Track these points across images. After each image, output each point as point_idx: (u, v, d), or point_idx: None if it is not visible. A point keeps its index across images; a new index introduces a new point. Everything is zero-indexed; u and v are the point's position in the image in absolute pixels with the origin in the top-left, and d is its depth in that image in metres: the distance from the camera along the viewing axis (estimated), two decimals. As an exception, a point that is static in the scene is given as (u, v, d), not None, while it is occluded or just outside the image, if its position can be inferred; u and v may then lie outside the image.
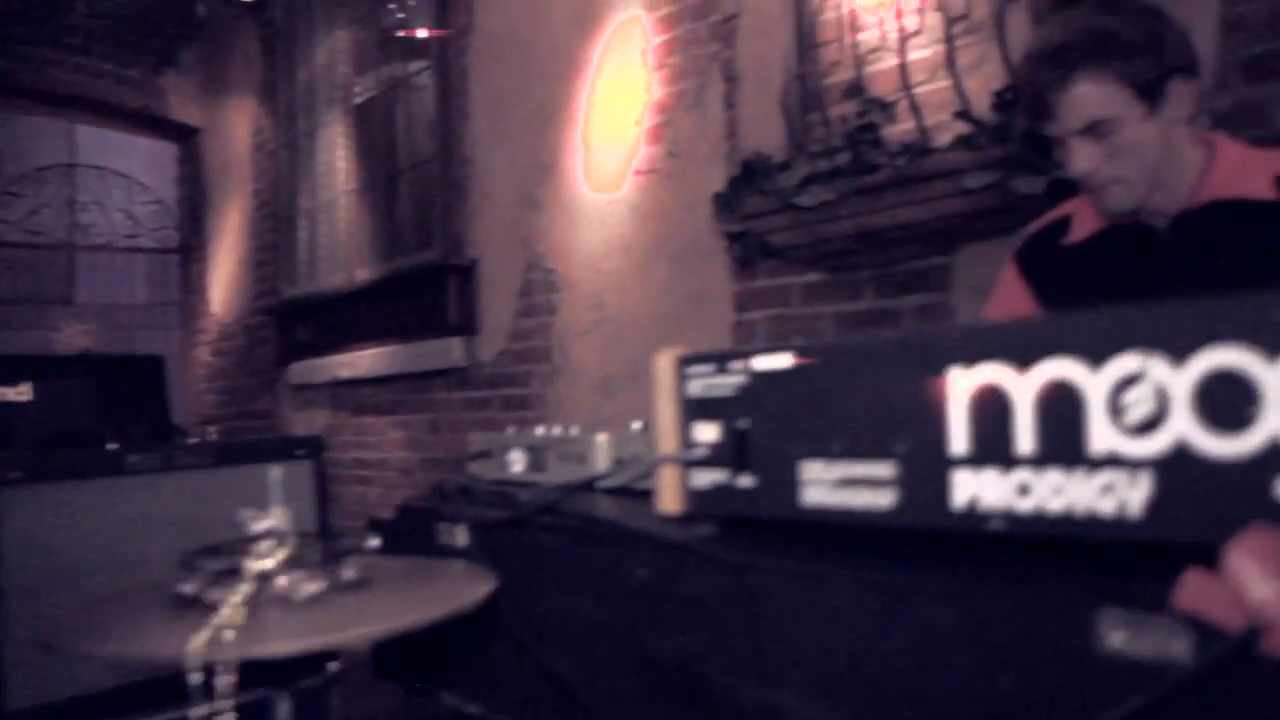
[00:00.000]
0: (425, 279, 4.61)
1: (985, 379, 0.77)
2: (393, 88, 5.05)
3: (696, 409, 1.02)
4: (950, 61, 2.56)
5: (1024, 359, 0.75)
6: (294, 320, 5.63)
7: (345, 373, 5.23)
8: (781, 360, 0.93)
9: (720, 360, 1.00)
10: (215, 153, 6.76)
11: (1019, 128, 2.21)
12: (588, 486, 1.22)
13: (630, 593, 1.07)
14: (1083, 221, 1.57)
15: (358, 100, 5.29)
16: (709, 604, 0.97)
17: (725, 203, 2.77)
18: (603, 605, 1.10)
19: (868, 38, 2.84)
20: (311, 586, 1.05)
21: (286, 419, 5.91)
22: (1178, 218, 1.47)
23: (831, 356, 0.89)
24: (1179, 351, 0.67)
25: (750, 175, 2.73)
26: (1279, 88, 2.25)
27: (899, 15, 2.71)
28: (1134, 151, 1.40)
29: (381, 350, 4.95)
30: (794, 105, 2.92)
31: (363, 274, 5.15)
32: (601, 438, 1.38)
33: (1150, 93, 1.38)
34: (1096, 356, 0.71)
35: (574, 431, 1.46)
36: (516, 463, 1.52)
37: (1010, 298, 1.67)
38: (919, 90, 2.69)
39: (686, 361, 1.03)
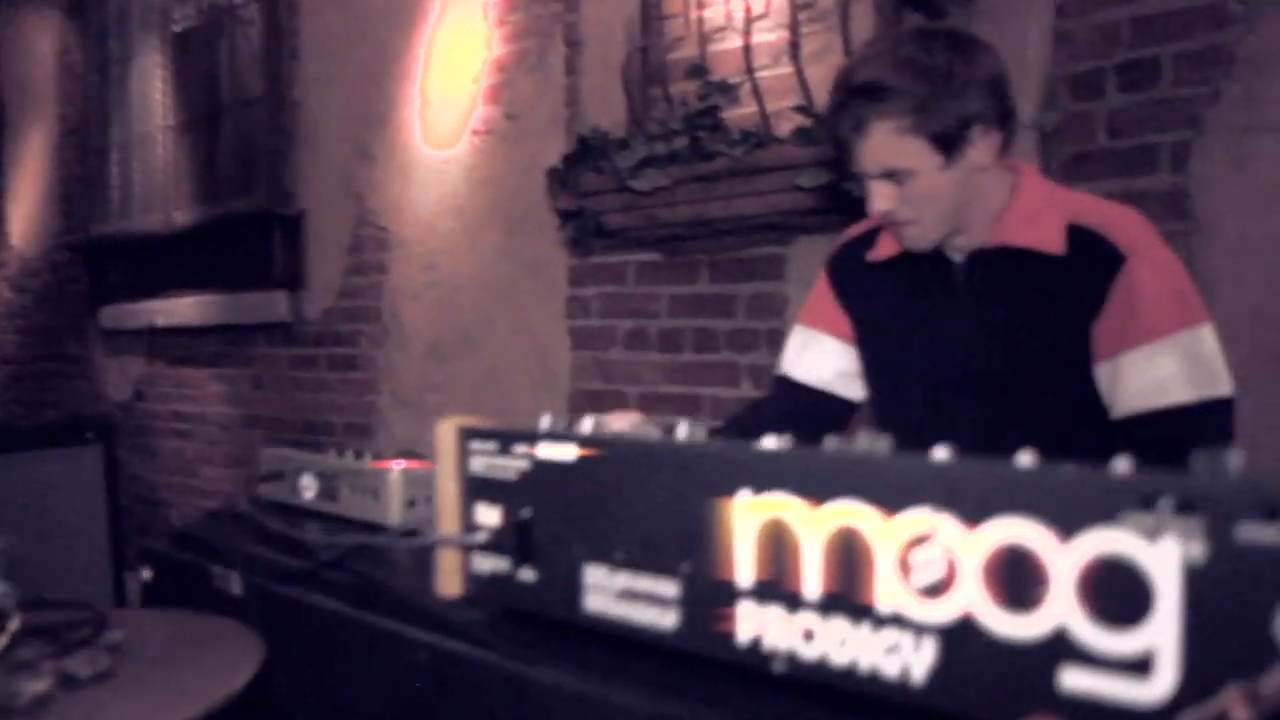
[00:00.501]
0: (250, 227, 4.32)
1: (776, 510, 0.70)
2: (216, 18, 4.66)
3: (479, 488, 0.93)
4: (794, 48, 2.50)
5: (817, 494, 0.69)
6: (105, 261, 5.22)
7: (162, 320, 4.89)
8: (567, 451, 0.85)
9: (504, 440, 0.90)
10: (12, 68, 6.14)
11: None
12: (363, 551, 1.12)
13: (411, 673, 0.98)
14: (887, 241, 1.54)
15: (177, 28, 4.87)
16: (483, 703, 0.90)
17: (560, 179, 2.65)
18: (382, 686, 1.01)
19: (713, 15, 2.75)
20: (36, 687, 0.91)
21: (98, 365, 5.51)
22: (972, 255, 1.45)
23: (620, 452, 0.82)
24: (971, 515, 0.62)
25: (587, 152, 2.62)
26: (1103, 104, 2.28)
27: (745, -5, 2.63)
28: (930, 199, 1.37)
29: (202, 299, 4.64)
30: (635, 79, 2.81)
31: (181, 217, 4.80)
32: (395, 475, 1.27)
33: (947, 144, 1.34)
34: (889, 505, 0.66)
35: (366, 463, 1.34)
36: (308, 489, 1.40)
37: (821, 304, 1.65)
38: (762, 75, 2.63)
39: (469, 435, 0.94)
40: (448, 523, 0.95)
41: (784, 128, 2.54)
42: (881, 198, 1.39)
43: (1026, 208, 1.43)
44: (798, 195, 2.29)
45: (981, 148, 1.36)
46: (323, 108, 4.11)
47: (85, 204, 5.38)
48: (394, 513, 1.27)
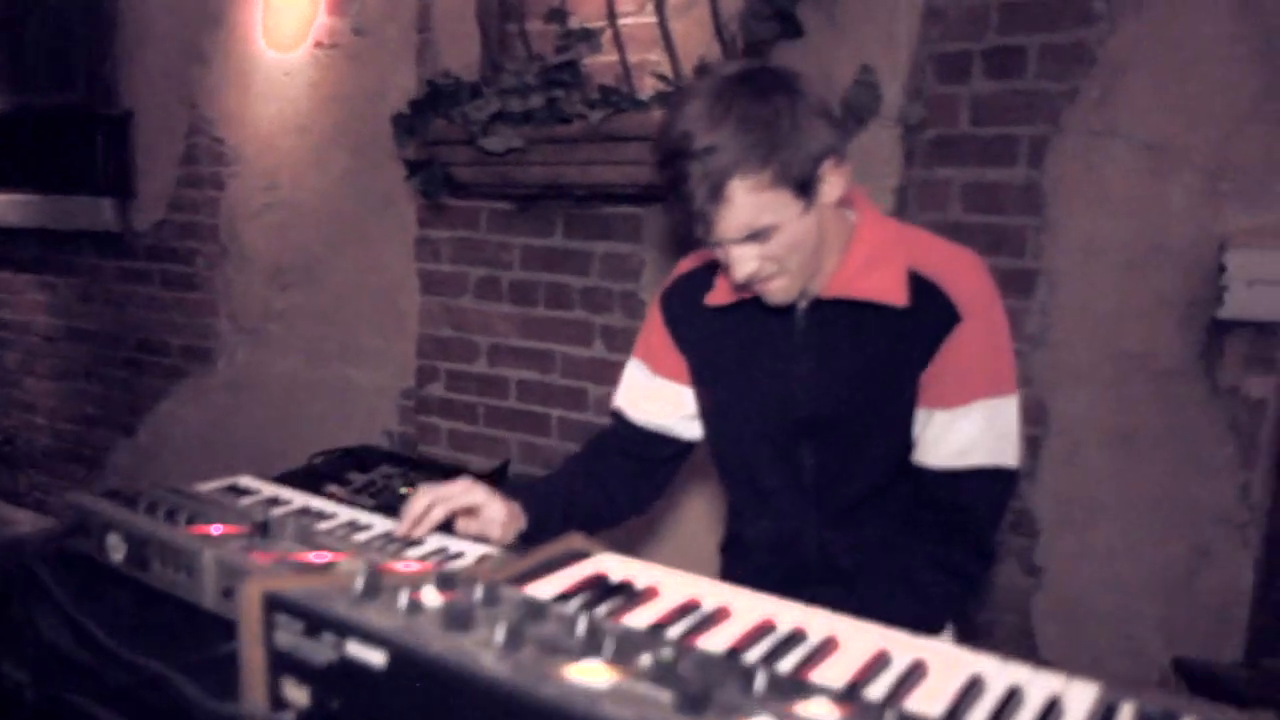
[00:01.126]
0: (68, 124, 3.94)
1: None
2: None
3: (287, 662, 0.85)
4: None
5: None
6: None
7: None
8: (376, 656, 0.77)
9: (311, 622, 0.82)
10: None
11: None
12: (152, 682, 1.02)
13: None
14: (724, 286, 1.47)
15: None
16: None
17: (406, 127, 2.47)
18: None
19: (576, -48, 2.56)
20: None
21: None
22: (813, 303, 1.41)
23: (430, 670, 0.74)
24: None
25: (436, 97, 2.44)
26: (968, 89, 2.24)
27: (609, -66, 2.45)
28: (794, 250, 1.31)
29: (16, 198, 4.24)
30: (492, 13, 2.61)
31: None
32: (209, 556, 1.16)
33: (806, 188, 1.27)
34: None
35: (179, 535, 1.22)
36: (116, 550, 1.27)
37: (656, 343, 1.59)
38: (626, 22, 2.48)
39: (275, 606, 0.85)
40: (253, 690, 0.87)
41: (647, 84, 2.42)
42: (745, 262, 1.30)
43: (866, 254, 1.39)
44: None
45: (833, 181, 1.30)
46: (147, -1, 3.72)
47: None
48: (208, 597, 1.16)
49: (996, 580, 2.32)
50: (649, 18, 2.46)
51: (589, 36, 2.43)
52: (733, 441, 1.54)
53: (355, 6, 3.14)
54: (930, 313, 1.34)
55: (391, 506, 1.65)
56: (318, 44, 3.26)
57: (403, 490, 1.98)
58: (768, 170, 1.23)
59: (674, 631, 0.93)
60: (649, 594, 1.03)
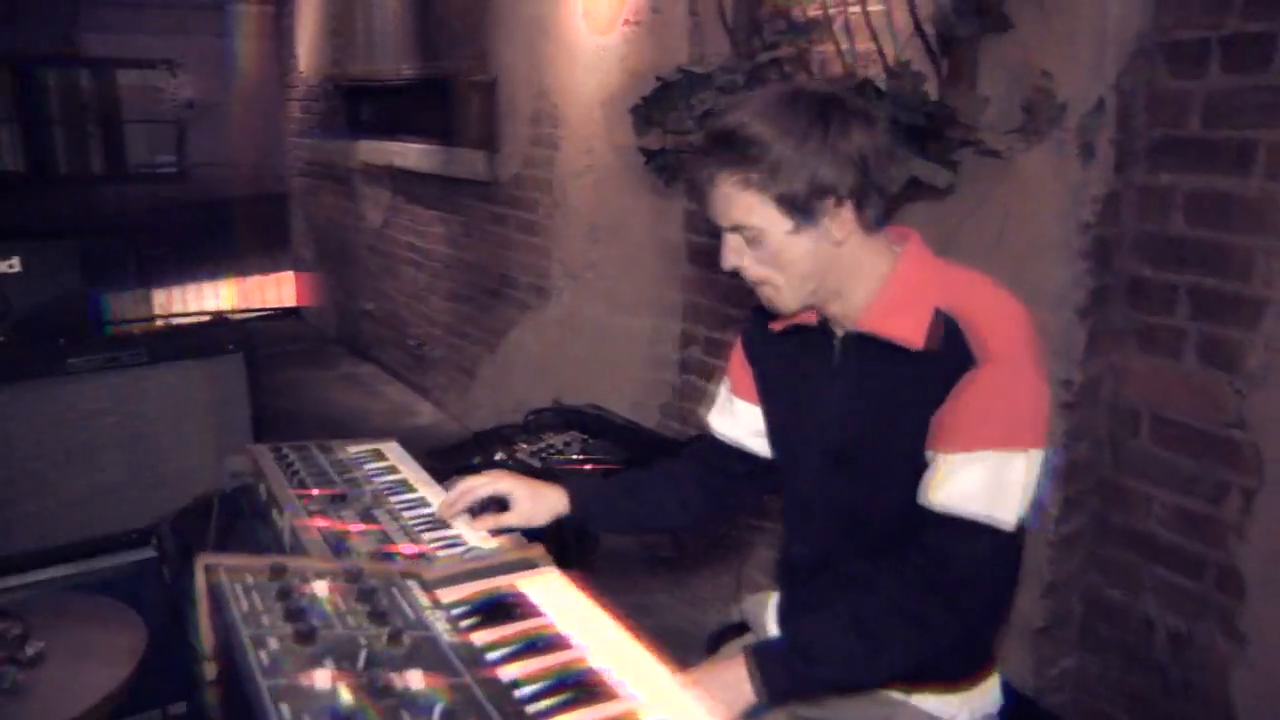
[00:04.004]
0: (455, 87, 4.63)
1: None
2: None
3: (215, 625, 1.17)
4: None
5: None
6: (359, 99, 5.76)
7: (399, 161, 5.39)
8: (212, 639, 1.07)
9: (215, 603, 1.13)
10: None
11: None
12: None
13: None
14: None
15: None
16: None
17: (644, 116, 2.68)
18: None
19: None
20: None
21: (359, 191, 6.18)
22: (849, 335, 1.45)
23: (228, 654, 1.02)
24: None
25: (668, 90, 2.62)
26: (1202, 84, 1.99)
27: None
28: (784, 263, 1.36)
29: (425, 148, 5.08)
30: (728, 7, 2.71)
31: (407, 70, 5.17)
32: (286, 516, 1.53)
33: (794, 208, 1.31)
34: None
35: (283, 492, 1.61)
36: (264, 495, 1.69)
37: (735, 365, 1.69)
38: (854, 10, 2.46)
39: (210, 580, 1.17)
40: (205, 641, 1.21)
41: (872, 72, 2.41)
42: (731, 252, 1.39)
43: (895, 294, 1.40)
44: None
45: (837, 221, 1.34)
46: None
47: (343, 44, 5.89)
48: (285, 547, 1.53)
49: (1194, 639, 2.12)
50: (876, 5, 2.42)
51: (802, 29, 2.44)
52: (787, 466, 1.63)
53: (662, -14, 3.36)
54: (951, 356, 1.34)
55: (550, 473, 1.96)
56: (626, 21, 3.53)
57: (575, 457, 2.26)
58: (756, 174, 1.30)
59: (494, 655, 1.12)
60: (527, 616, 1.22)
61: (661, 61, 3.31)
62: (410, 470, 1.82)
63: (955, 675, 1.51)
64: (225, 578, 1.17)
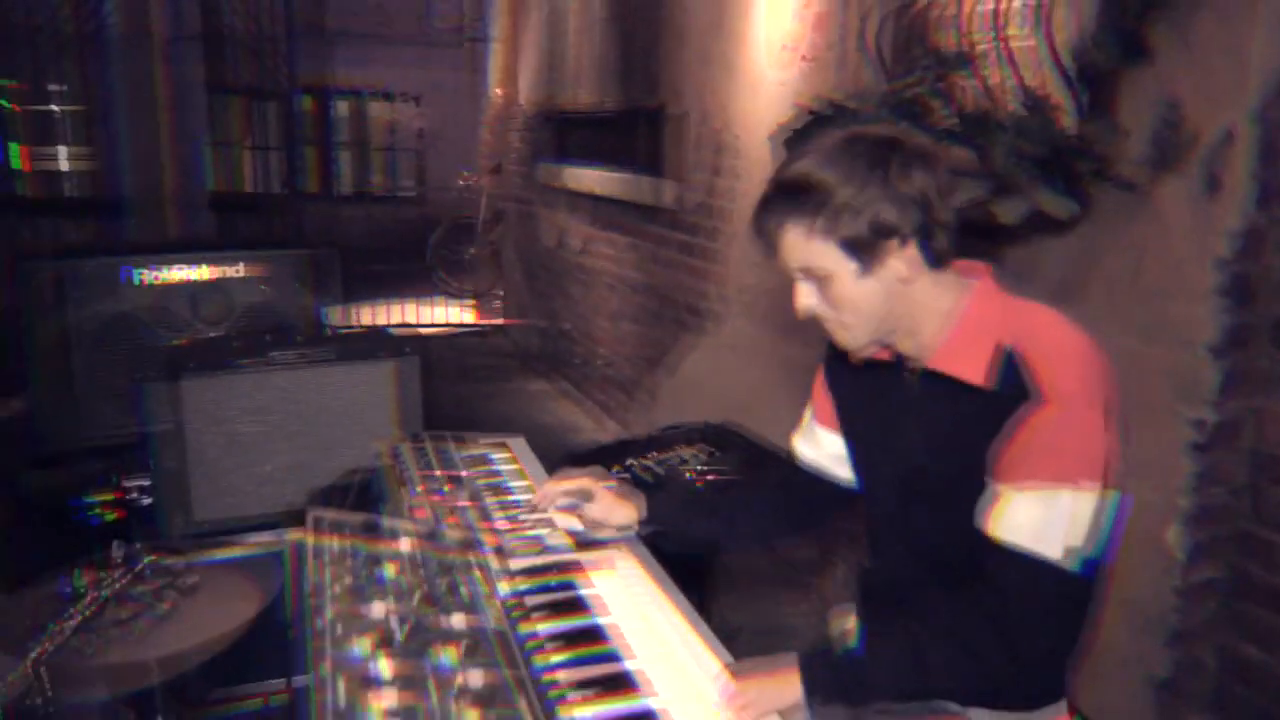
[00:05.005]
0: (648, 120, 4.87)
1: None
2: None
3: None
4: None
5: None
6: (566, 129, 6.14)
7: (598, 189, 5.71)
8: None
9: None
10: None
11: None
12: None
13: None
14: None
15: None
16: None
17: (789, 147, 2.79)
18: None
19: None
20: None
21: (562, 217, 6.56)
22: (923, 370, 1.50)
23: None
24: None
25: (817, 122, 2.72)
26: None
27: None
28: (853, 305, 1.42)
29: (620, 176, 5.36)
30: (886, 38, 2.78)
31: (608, 102, 5.48)
32: (402, 491, 1.74)
33: (859, 251, 1.37)
34: None
35: (413, 472, 1.83)
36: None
37: (817, 387, 1.76)
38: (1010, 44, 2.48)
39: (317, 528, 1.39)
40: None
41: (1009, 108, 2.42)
42: (803, 296, 1.46)
43: (962, 333, 1.45)
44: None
45: (902, 260, 1.39)
46: (700, 18, 4.42)
47: (555, 78, 6.30)
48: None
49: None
50: (1019, 42, 2.43)
51: (947, 62, 2.49)
52: (868, 495, 1.70)
53: (830, 21, 3.46)
54: (1009, 391, 1.38)
55: (659, 485, 2.11)
56: (803, 58, 3.65)
57: (697, 469, 2.39)
58: (820, 220, 1.37)
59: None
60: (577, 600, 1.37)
61: (841, 96, 3.41)
62: (527, 464, 2.02)
63: (1012, 702, 1.53)
64: (327, 528, 1.38)
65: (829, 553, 3.33)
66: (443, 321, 8.31)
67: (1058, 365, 1.36)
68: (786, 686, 1.39)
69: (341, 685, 1.04)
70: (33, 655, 1.43)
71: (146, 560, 1.68)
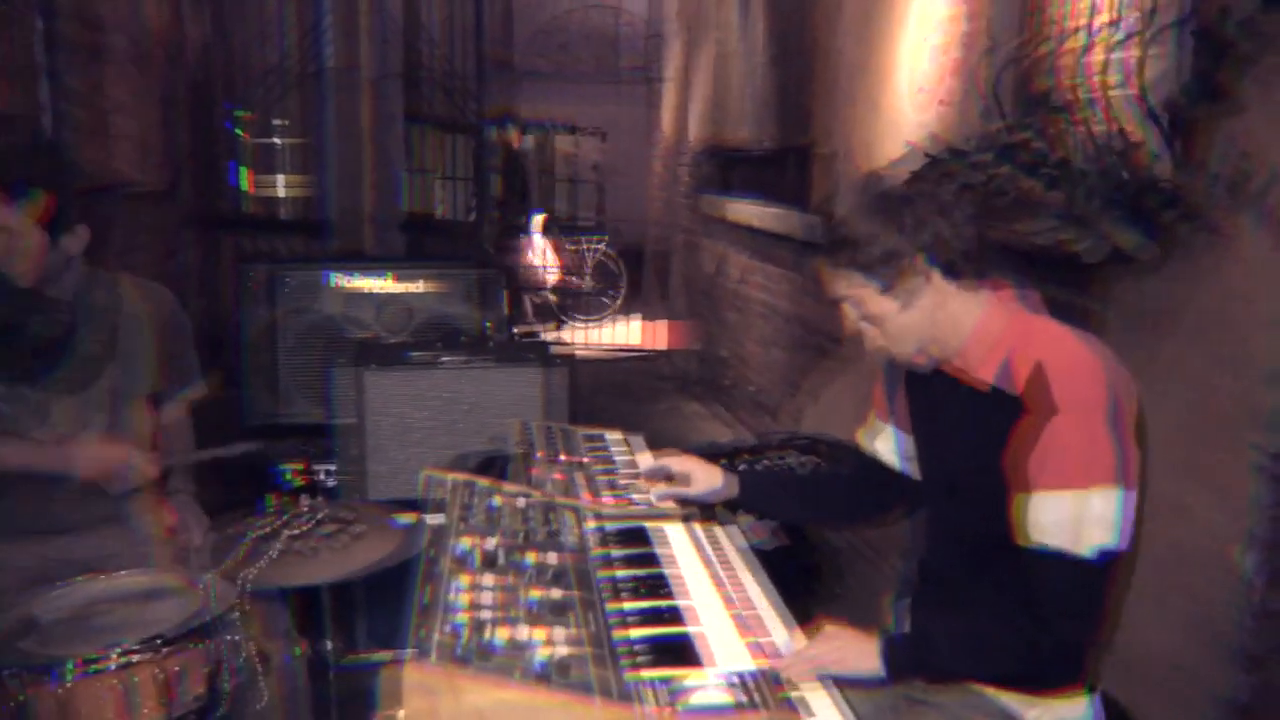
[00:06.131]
0: (801, 158, 5.13)
1: None
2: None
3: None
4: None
5: None
6: (729, 165, 6.46)
7: (756, 222, 5.99)
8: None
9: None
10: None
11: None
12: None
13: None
14: None
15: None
16: None
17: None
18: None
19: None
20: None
21: (723, 250, 6.87)
22: (945, 377, 1.74)
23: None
24: None
25: (933, 165, 2.92)
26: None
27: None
28: (896, 334, 1.69)
29: (776, 211, 5.63)
30: (1000, 84, 2.95)
31: (766, 140, 5.76)
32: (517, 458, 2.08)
33: (897, 291, 1.63)
34: None
35: (520, 450, 2.17)
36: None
37: (876, 387, 2.02)
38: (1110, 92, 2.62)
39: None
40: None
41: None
42: (849, 321, 1.76)
43: (976, 341, 1.68)
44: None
45: (932, 289, 1.63)
46: (853, 59, 4.66)
47: (721, 116, 6.63)
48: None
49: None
50: (1121, 89, 2.57)
51: (1054, 109, 2.64)
52: (924, 493, 1.93)
53: (965, 68, 3.64)
54: (1032, 400, 1.58)
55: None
56: (941, 102, 3.83)
57: (795, 467, 2.64)
58: (856, 269, 1.66)
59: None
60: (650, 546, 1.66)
61: (963, 138, 3.58)
62: (641, 455, 2.32)
63: (1039, 683, 1.70)
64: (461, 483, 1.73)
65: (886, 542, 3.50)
66: (609, 343, 8.78)
67: (1074, 378, 1.56)
68: (865, 655, 1.59)
69: (447, 566, 1.39)
70: (229, 560, 1.84)
71: (324, 511, 2.09)
